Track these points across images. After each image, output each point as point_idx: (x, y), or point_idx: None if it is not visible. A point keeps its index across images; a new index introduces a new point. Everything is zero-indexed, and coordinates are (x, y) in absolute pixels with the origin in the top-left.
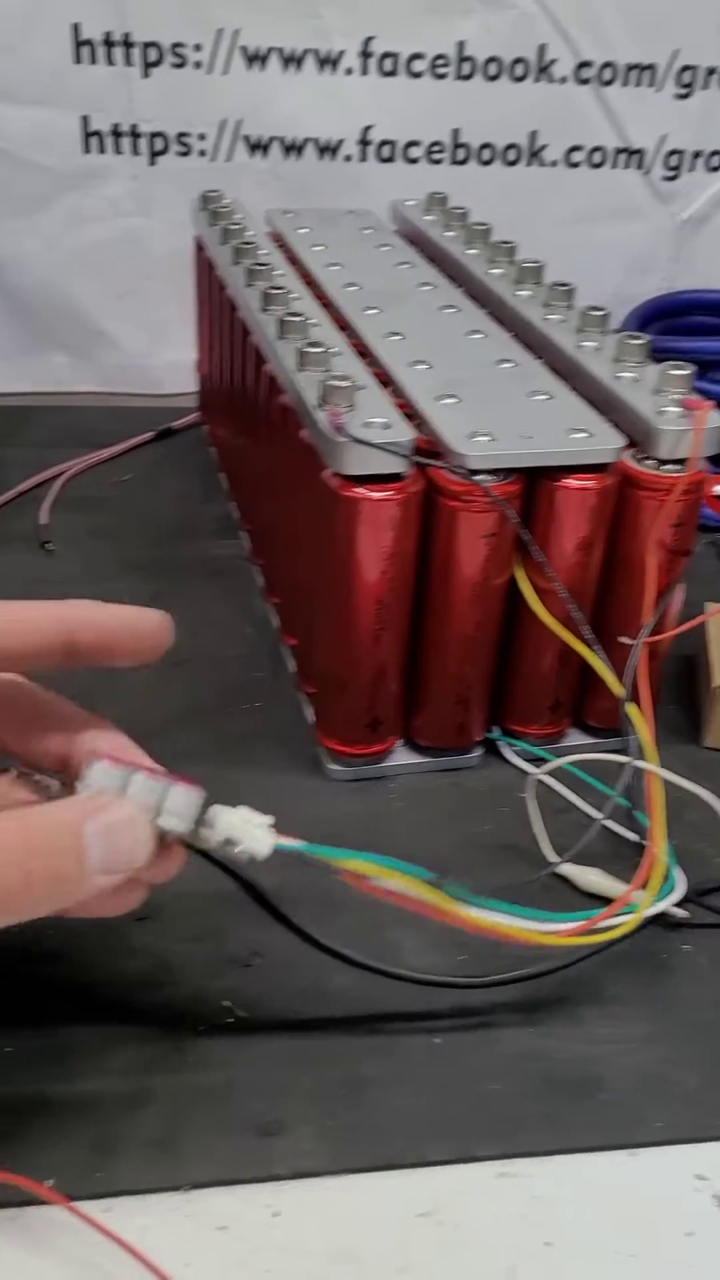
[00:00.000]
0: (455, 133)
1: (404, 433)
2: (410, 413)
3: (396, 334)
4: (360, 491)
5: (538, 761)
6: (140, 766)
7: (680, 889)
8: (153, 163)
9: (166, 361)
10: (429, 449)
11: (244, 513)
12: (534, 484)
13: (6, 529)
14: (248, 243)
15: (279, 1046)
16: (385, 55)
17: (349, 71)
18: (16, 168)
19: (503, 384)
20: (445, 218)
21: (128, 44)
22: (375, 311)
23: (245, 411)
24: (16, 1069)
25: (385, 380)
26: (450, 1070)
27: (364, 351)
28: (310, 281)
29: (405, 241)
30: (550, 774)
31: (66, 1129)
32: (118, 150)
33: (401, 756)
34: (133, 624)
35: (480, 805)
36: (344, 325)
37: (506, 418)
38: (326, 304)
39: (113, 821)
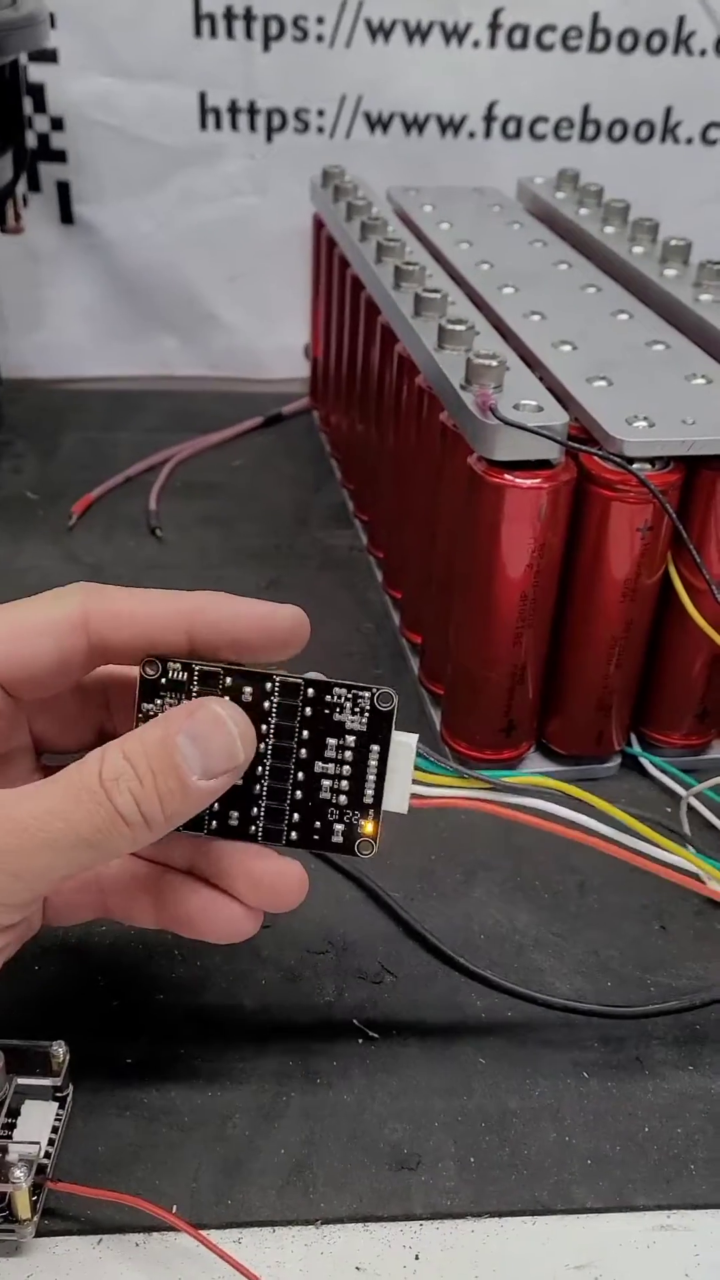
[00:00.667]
0: (585, 108)
1: (557, 416)
2: (559, 396)
3: (537, 314)
4: (508, 478)
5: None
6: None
7: None
8: (269, 140)
9: (276, 345)
10: (580, 435)
11: (359, 502)
12: (693, 474)
13: (116, 513)
14: (375, 219)
15: (414, 1071)
16: (515, 27)
17: (476, 44)
18: (132, 145)
19: (656, 367)
20: (578, 195)
21: (249, 18)
22: (511, 290)
23: (367, 395)
24: (140, 1085)
25: (530, 362)
26: (602, 1107)
27: (504, 332)
28: (440, 259)
29: (536, 219)
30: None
31: (194, 1151)
32: (234, 127)
33: (534, 763)
34: (264, 621)
35: None
36: (480, 304)
37: (664, 402)
38: (460, 282)
39: (201, 723)
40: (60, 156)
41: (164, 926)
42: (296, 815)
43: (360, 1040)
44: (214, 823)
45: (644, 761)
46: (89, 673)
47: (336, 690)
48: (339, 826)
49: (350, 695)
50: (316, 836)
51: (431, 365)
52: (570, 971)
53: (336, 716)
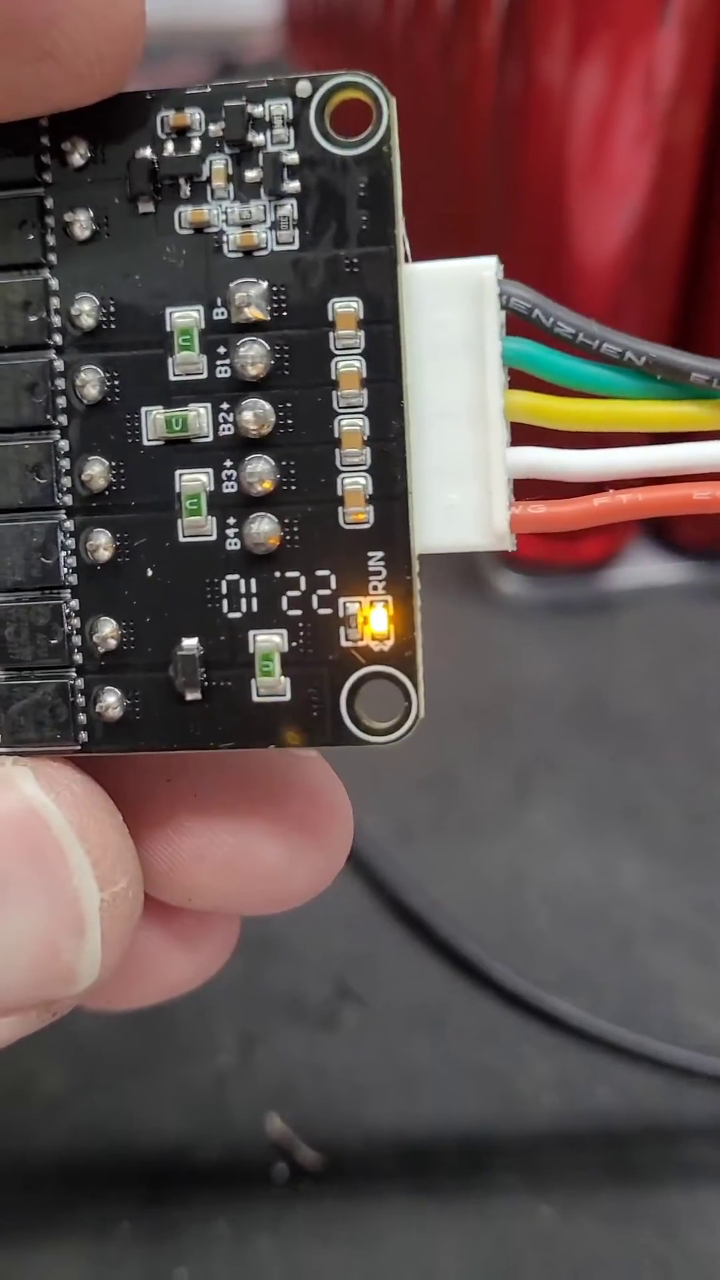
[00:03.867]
0: None
1: None
2: None
3: None
4: None
5: None
6: None
7: None
8: None
9: None
10: None
11: None
12: None
13: None
14: None
15: (397, 1237)
16: None
17: None
18: None
19: None
20: None
21: None
22: None
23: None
24: None
25: None
26: None
27: None
28: None
29: None
30: None
31: None
32: None
33: (641, 562)
34: None
35: None
36: None
37: None
38: None
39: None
40: None
41: None
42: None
43: (280, 1170)
44: None
45: None
46: None
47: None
48: (270, 645)
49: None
50: (197, 696)
51: None
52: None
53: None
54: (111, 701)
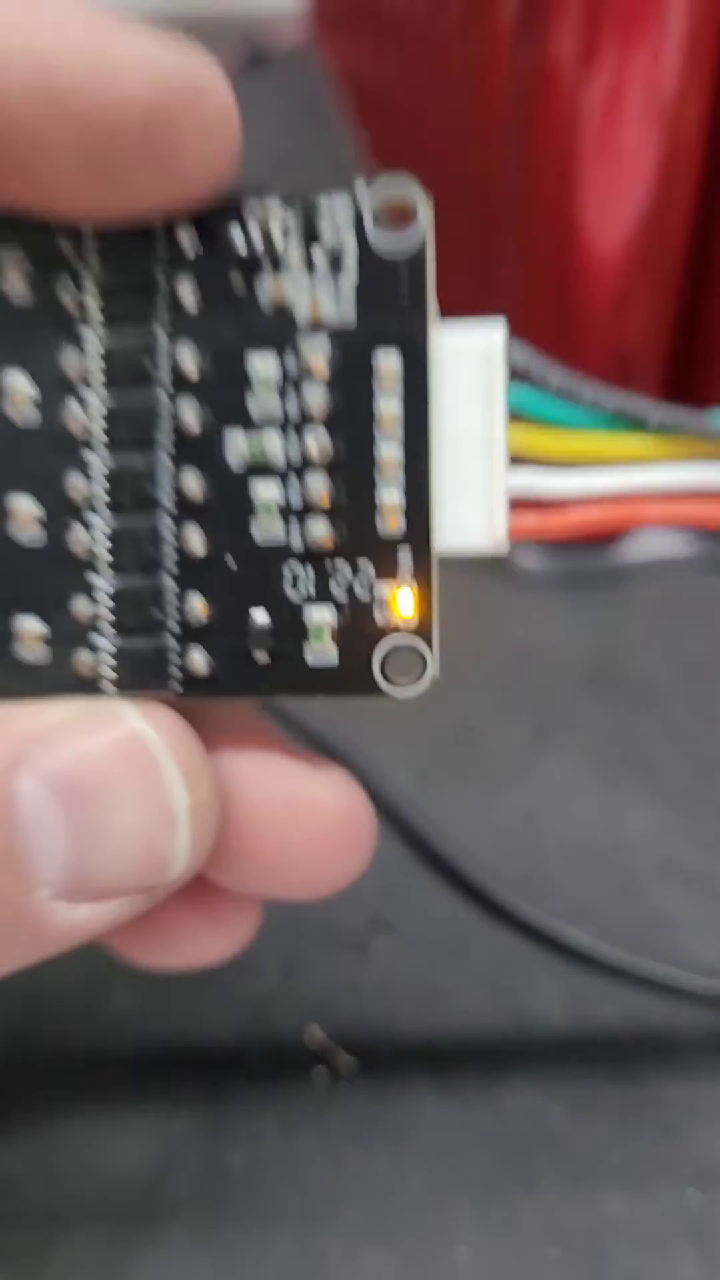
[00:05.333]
0: None
1: None
2: None
3: None
4: None
5: None
6: None
7: None
8: None
9: None
10: None
11: (379, 151)
12: None
13: None
14: None
15: (419, 1141)
16: None
17: None
18: None
19: None
20: None
21: None
22: None
23: None
24: None
25: None
26: None
27: None
28: None
29: None
30: None
31: None
32: None
33: (650, 540)
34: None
35: None
36: None
37: None
38: None
39: (94, 765)
40: None
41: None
42: (197, 606)
43: (320, 1073)
44: None
45: None
46: None
47: (246, 217)
48: (319, 616)
49: (282, 216)
50: (266, 658)
51: None
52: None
53: (247, 317)
54: (199, 659)
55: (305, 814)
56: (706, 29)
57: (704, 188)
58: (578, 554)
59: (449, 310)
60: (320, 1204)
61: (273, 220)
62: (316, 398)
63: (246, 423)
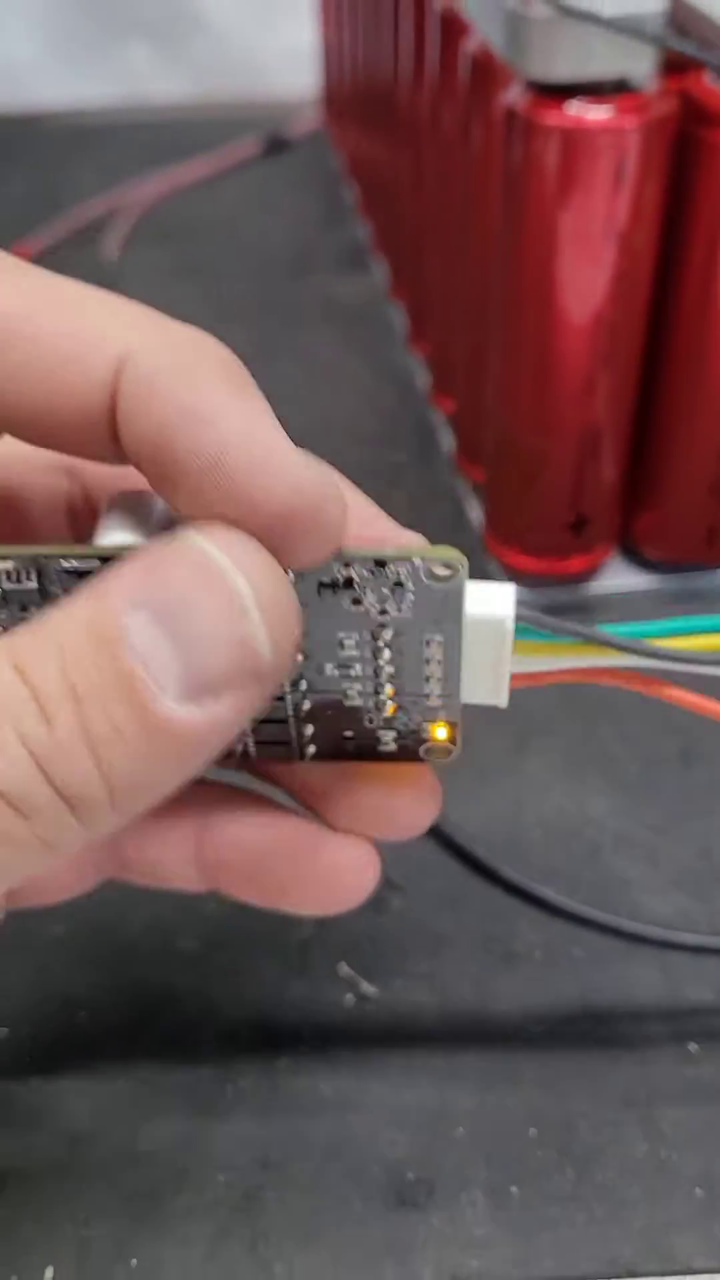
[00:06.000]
0: None
1: (653, 1)
2: None
3: None
4: (568, 113)
5: None
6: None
7: None
8: None
9: (278, 49)
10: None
11: (382, 235)
12: None
13: (65, 265)
14: None
15: (427, 1048)
16: None
17: None
18: None
19: None
20: None
21: None
22: None
23: (399, 91)
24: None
25: None
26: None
27: None
28: None
29: None
30: None
31: (98, 1188)
32: None
33: (617, 575)
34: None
35: None
36: None
37: None
38: None
39: (176, 584)
40: None
41: (221, 887)
42: (310, 729)
43: (349, 998)
44: None
45: None
46: None
47: (348, 570)
48: (387, 735)
49: (372, 573)
50: (352, 746)
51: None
52: (669, 885)
53: (353, 607)
54: (308, 732)
55: (406, 775)
56: (653, 182)
57: (653, 294)
58: (553, 588)
59: (445, 379)
60: (350, 1095)
61: (355, 572)
62: (385, 650)
63: (341, 665)
